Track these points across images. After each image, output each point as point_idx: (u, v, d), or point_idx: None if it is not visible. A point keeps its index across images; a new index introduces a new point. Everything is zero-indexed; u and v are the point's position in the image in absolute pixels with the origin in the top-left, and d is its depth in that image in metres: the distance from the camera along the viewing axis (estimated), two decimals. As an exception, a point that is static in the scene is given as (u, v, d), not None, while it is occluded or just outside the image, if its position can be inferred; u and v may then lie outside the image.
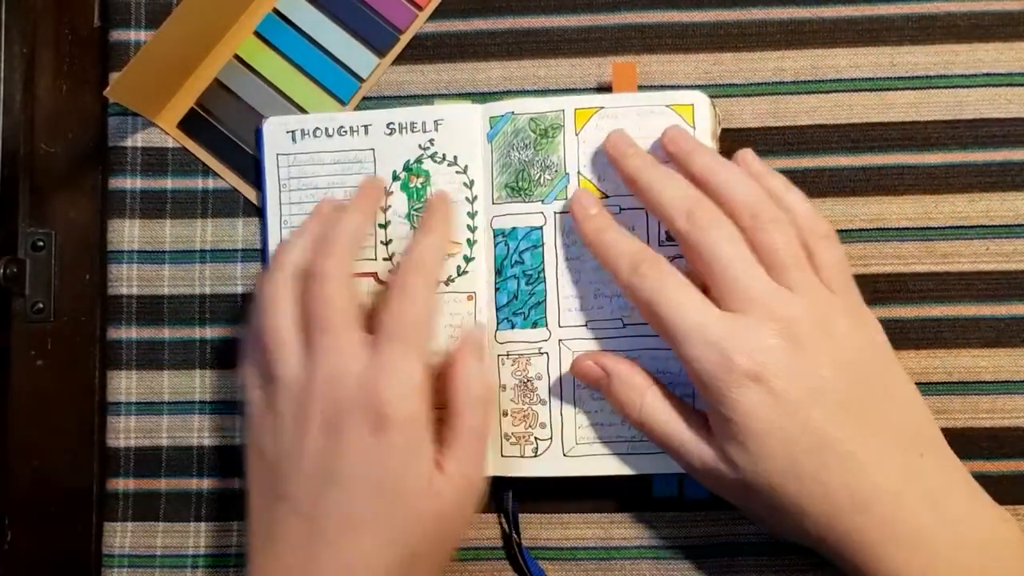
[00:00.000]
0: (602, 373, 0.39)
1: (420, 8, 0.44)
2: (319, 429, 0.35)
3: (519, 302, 0.41)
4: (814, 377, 0.34)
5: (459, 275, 0.42)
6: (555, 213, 0.41)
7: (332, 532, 0.34)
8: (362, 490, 0.35)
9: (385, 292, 0.38)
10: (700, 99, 0.41)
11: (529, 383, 0.41)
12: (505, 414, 0.41)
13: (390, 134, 0.42)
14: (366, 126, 0.42)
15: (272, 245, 0.43)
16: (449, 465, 0.36)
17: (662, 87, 0.44)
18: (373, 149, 0.42)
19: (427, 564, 0.36)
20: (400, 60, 0.44)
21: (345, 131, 0.43)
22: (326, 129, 0.43)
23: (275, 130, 0.43)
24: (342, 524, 0.35)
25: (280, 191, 0.43)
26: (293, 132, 0.43)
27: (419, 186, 0.42)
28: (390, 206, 0.42)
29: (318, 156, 0.43)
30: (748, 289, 0.35)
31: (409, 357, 0.36)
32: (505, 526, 0.42)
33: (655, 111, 0.41)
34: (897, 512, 0.34)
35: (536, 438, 0.41)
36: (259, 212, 0.44)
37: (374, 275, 0.42)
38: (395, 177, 0.42)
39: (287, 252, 0.39)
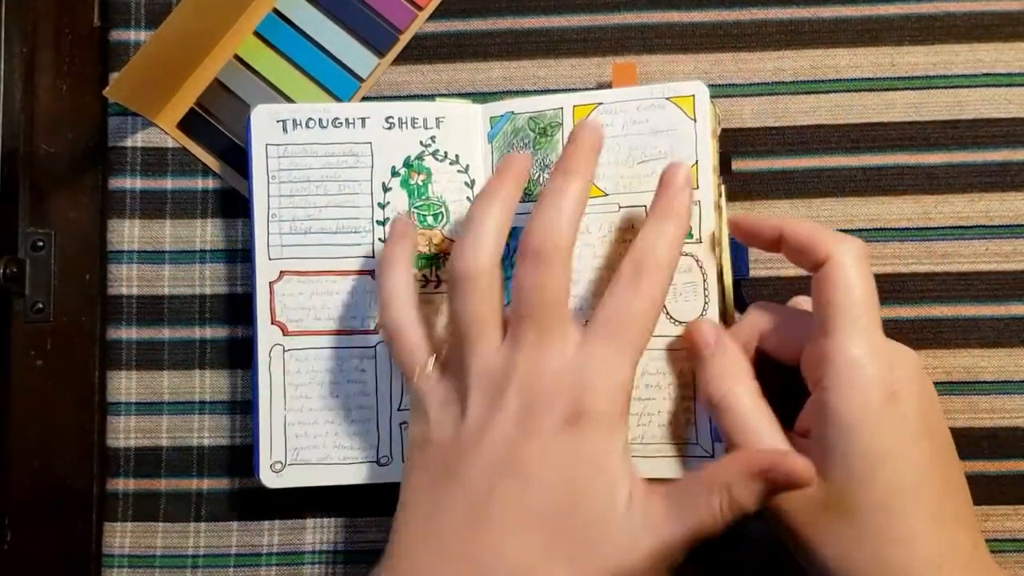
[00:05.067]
0: (710, 344, 0.37)
1: (420, 8, 0.44)
2: (510, 417, 0.33)
3: (519, 302, 0.41)
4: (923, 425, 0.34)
5: (459, 275, 0.42)
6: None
7: (499, 524, 0.32)
8: (543, 488, 0.32)
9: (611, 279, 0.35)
10: (700, 89, 0.40)
11: None
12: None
13: (389, 128, 0.42)
14: (363, 119, 0.42)
15: (259, 239, 0.42)
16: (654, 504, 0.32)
17: (662, 87, 0.44)
18: (371, 142, 0.42)
19: None
20: (400, 60, 0.44)
21: (340, 123, 0.42)
22: (320, 120, 0.42)
23: (264, 119, 0.42)
24: (512, 518, 0.32)
25: (269, 183, 0.42)
26: (284, 121, 0.42)
27: (420, 183, 0.42)
28: (389, 202, 0.42)
29: (311, 148, 0.42)
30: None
31: (624, 358, 0.33)
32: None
33: (655, 104, 0.40)
34: None
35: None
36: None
37: (372, 273, 0.42)
38: (394, 173, 0.42)
39: (487, 223, 0.35)
